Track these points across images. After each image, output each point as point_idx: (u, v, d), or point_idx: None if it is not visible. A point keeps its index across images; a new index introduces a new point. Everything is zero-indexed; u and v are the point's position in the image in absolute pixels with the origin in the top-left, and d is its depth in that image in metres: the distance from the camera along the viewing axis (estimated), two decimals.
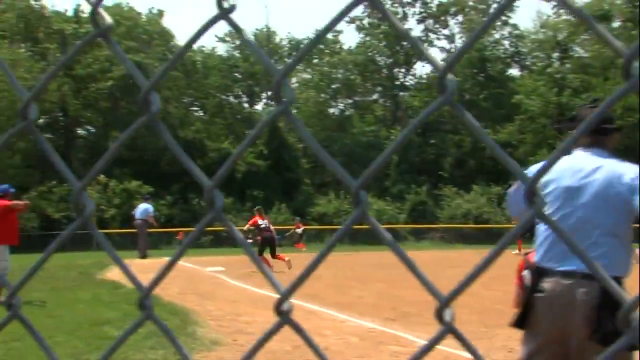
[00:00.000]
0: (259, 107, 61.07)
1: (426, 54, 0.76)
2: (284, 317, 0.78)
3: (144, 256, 23.01)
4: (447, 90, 0.72)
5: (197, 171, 0.84)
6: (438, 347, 0.75)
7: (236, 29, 0.83)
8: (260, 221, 20.33)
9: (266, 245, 19.90)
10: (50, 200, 40.89)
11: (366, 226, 0.79)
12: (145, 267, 17.06)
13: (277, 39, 62.97)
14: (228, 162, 0.82)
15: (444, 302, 0.72)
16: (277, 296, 0.82)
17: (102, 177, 39.96)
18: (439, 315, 0.72)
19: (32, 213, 35.42)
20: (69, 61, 0.93)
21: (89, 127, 51.25)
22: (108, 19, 0.89)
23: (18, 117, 0.92)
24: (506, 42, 57.74)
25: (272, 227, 20.46)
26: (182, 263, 18.52)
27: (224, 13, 0.82)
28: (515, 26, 56.69)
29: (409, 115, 57.88)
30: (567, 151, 0.73)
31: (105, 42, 0.90)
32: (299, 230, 36.01)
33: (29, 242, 31.00)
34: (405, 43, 58.93)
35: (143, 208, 24.26)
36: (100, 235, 0.93)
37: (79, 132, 50.78)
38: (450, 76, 0.73)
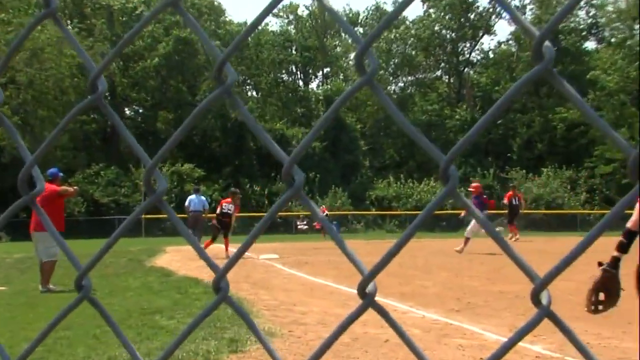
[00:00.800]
0: (313, 85, 61.21)
1: (521, 20, 0.75)
2: (368, 299, 0.79)
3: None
4: (546, 58, 0.71)
5: (275, 146, 0.84)
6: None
7: None
8: (225, 205, 20.72)
9: (220, 231, 20.36)
10: (98, 184, 41.50)
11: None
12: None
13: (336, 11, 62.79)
14: (308, 137, 0.82)
15: (541, 285, 0.72)
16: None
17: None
18: (536, 298, 0.72)
19: (78, 197, 36.03)
20: (138, 32, 0.94)
21: (137, 108, 52.09)
22: None
23: (87, 91, 0.94)
24: (582, 13, 56.45)
25: (235, 215, 20.72)
26: (235, 250, 18.59)
27: None
28: None
29: (474, 93, 57.15)
30: None
31: (176, 11, 0.91)
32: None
33: (76, 227, 31.70)
34: (471, 15, 58.15)
35: (198, 200, 25.34)
36: (173, 215, 0.94)
37: (127, 112, 51.62)
38: (547, 43, 0.72)
